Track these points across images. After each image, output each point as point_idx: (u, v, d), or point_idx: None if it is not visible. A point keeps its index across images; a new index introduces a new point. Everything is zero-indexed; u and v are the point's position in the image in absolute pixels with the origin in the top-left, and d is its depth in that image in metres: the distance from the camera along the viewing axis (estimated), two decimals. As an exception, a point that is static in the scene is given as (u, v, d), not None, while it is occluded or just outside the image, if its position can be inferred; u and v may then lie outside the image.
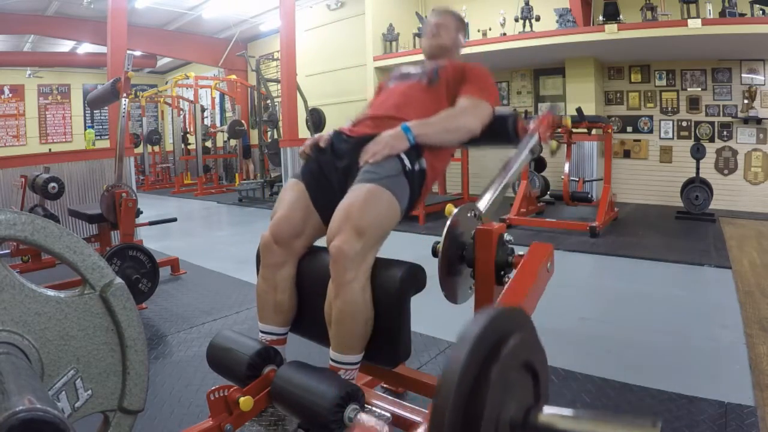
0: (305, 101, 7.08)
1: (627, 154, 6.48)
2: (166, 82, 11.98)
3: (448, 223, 1.20)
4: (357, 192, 1.29)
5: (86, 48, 10.74)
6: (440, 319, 2.27)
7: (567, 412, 0.79)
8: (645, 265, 3.53)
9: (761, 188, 5.70)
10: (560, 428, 0.76)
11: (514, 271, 1.18)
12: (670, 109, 6.17)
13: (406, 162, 1.37)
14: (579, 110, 4.57)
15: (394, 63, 6.73)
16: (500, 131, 1.62)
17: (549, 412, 0.78)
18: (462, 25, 1.85)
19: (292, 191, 1.46)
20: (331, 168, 1.46)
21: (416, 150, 1.41)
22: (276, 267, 1.41)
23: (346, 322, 1.24)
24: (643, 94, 6.34)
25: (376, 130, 1.44)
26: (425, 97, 1.54)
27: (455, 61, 1.67)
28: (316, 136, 1.56)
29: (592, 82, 6.27)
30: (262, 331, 1.44)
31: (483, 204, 1.39)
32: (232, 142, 9.74)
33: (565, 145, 5.28)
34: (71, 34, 9.12)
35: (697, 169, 5.07)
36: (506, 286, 1.15)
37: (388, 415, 1.33)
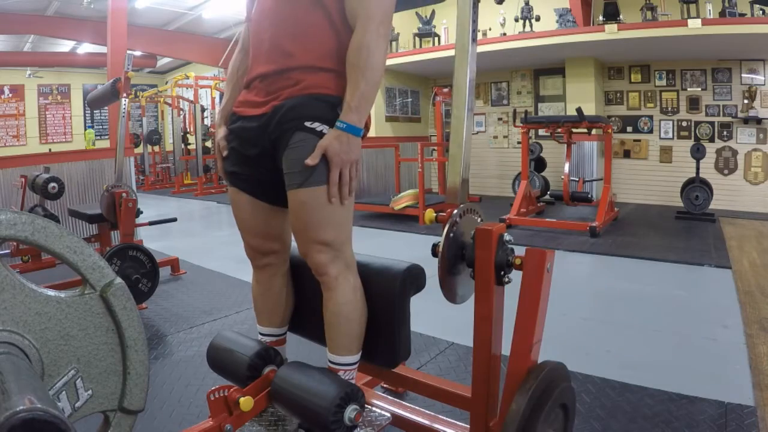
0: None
1: (627, 154, 6.48)
2: (166, 82, 11.98)
3: (448, 223, 1.20)
4: (297, 203, 1.18)
5: (86, 48, 10.73)
6: (440, 319, 2.28)
7: None
8: (645, 265, 3.53)
9: (761, 188, 5.70)
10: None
11: (515, 272, 1.18)
12: (670, 109, 6.18)
13: (325, 131, 1.16)
14: (579, 110, 4.57)
15: (395, 63, 6.74)
16: None
17: None
18: None
19: (238, 203, 1.33)
20: (252, 160, 1.27)
21: (329, 103, 1.18)
22: (268, 272, 1.40)
23: (341, 323, 1.24)
24: (643, 94, 6.34)
25: (271, 97, 1.21)
26: (300, 8, 1.19)
27: None
28: (217, 152, 1.34)
29: (592, 82, 6.28)
30: (261, 333, 1.44)
31: (458, 148, 1.22)
32: (232, 142, 9.72)
33: (566, 145, 5.28)
34: (71, 34, 9.10)
35: (697, 169, 5.07)
36: (519, 306, 1.15)
37: (388, 415, 1.33)
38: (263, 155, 1.25)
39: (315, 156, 1.13)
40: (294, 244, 1.43)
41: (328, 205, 1.17)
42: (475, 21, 1.24)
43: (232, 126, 1.30)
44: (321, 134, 1.16)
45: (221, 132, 1.34)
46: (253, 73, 1.27)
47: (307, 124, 1.16)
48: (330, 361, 1.28)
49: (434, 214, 1.22)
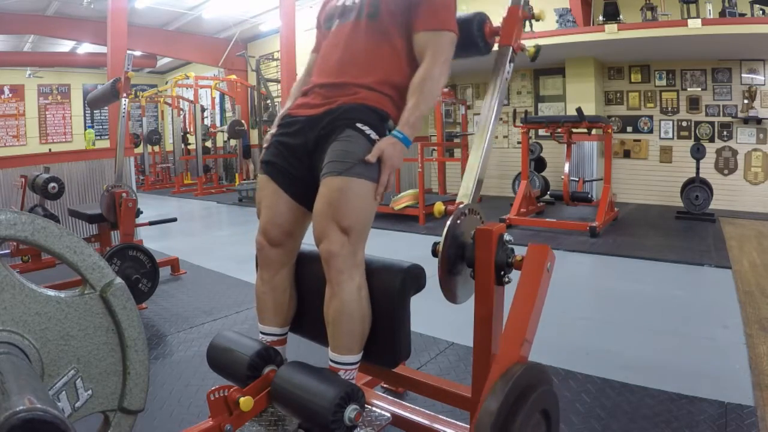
0: (305, 101, 7.06)
1: (627, 154, 6.48)
2: (166, 82, 11.98)
3: (448, 223, 1.20)
4: (330, 189, 1.23)
5: (86, 48, 10.74)
6: (440, 319, 2.28)
7: None
8: (645, 265, 3.53)
9: (761, 188, 5.70)
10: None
11: (515, 272, 1.18)
12: (670, 109, 6.18)
13: (373, 135, 1.28)
14: (579, 110, 4.57)
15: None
16: (466, 41, 1.41)
17: None
18: None
19: (267, 192, 1.39)
20: (291, 154, 1.37)
21: (379, 115, 1.31)
22: (274, 268, 1.41)
23: (344, 322, 1.24)
24: (643, 94, 6.33)
25: (327, 102, 1.34)
26: (369, 41, 1.36)
27: None
28: (265, 143, 1.46)
29: (592, 82, 6.27)
30: (262, 332, 1.44)
31: (476, 158, 1.31)
32: (232, 142, 9.74)
33: (566, 145, 5.28)
34: (71, 34, 9.11)
35: (697, 169, 5.07)
36: (512, 304, 1.15)
37: (388, 415, 1.33)
38: (303, 150, 1.35)
39: (373, 155, 1.24)
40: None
41: (360, 198, 1.24)
42: (509, 72, 1.42)
43: (282, 122, 1.43)
44: (368, 137, 1.27)
45: (272, 130, 1.46)
46: (315, 82, 1.42)
47: (358, 125, 1.28)
48: (331, 360, 1.28)
49: (443, 207, 1.26)
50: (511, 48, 1.40)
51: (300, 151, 1.36)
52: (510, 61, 1.40)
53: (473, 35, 1.44)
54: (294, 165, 1.37)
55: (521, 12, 1.41)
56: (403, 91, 1.34)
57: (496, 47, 1.47)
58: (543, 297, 1.15)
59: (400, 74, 1.35)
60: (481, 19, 1.45)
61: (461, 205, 1.22)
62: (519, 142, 5.88)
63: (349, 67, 1.35)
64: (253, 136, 9.78)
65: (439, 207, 1.27)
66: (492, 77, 1.40)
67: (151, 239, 4.32)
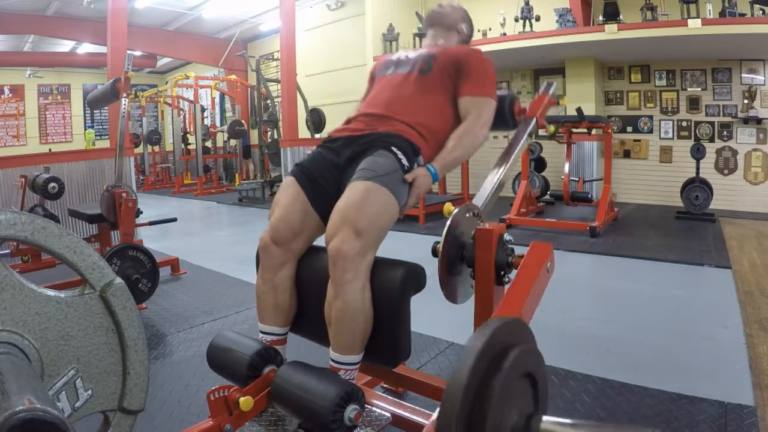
0: (305, 101, 7.08)
1: (627, 154, 6.48)
2: (166, 82, 11.98)
3: (448, 223, 1.20)
4: (354, 190, 1.29)
5: (86, 48, 10.74)
6: (440, 319, 2.28)
7: (566, 420, 0.86)
8: (645, 265, 3.53)
9: (761, 188, 5.70)
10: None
11: (515, 272, 1.19)
12: (670, 109, 6.18)
13: (404, 161, 1.38)
14: (579, 110, 4.57)
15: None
16: (497, 115, 1.60)
17: (549, 420, 0.85)
18: (461, 16, 1.81)
19: (288, 191, 1.44)
20: (325, 166, 1.46)
21: (413, 148, 1.42)
22: (275, 268, 1.41)
23: (346, 322, 1.24)
24: (643, 94, 6.34)
25: (369, 128, 1.48)
26: (417, 90, 1.54)
27: (449, 48, 1.65)
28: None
29: (592, 82, 6.27)
30: (262, 332, 1.44)
31: (483, 196, 1.43)
32: (232, 142, 9.74)
33: (566, 145, 5.28)
34: (71, 34, 9.12)
35: (697, 169, 5.07)
36: (507, 290, 1.15)
37: (388, 415, 1.33)
38: (336, 166, 1.44)
39: (410, 177, 1.37)
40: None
41: (380, 204, 1.29)
42: (526, 140, 1.63)
43: (325, 140, 1.54)
44: (400, 160, 1.37)
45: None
46: (360, 112, 1.57)
47: (393, 149, 1.39)
48: (332, 360, 1.28)
49: (453, 207, 1.29)
50: (535, 119, 1.67)
51: (333, 166, 1.45)
52: (530, 133, 1.65)
53: (504, 112, 1.66)
54: (324, 175, 1.44)
55: (548, 99, 1.75)
56: (439, 137, 1.49)
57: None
58: (541, 287, 1.15)
59: (439, 124, 1.51)
60: (512, 98, 1.70)
61: (461, 206, 1.23)
62: (519, 142, 5.88)
63: (396, 105, 1.51)
64: (253, 136, 9.77)
65: (448, 207, 1.30)
66: (514, 140, 1.63)
67: (151, 239, 4.32)
